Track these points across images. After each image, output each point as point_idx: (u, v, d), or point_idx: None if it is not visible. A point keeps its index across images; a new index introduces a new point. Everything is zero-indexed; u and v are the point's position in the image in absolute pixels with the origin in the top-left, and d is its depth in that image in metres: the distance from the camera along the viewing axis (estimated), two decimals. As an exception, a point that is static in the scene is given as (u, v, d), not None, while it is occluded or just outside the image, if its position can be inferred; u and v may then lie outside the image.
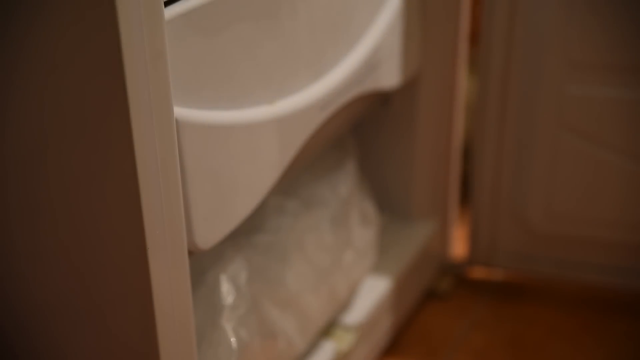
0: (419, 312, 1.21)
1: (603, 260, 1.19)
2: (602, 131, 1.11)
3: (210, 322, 0.79)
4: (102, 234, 0.62)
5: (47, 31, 0.56)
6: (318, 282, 0.92)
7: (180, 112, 0.65)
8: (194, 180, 0.67)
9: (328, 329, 1.00)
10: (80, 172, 0.61)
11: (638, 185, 1.12)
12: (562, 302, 1.23)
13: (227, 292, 0.80)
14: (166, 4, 0.64)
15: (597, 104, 1.09)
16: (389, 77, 1.00)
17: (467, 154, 1.29)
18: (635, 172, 1.11)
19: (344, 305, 1.03)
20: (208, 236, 0.70)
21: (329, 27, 0.84)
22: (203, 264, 0.81)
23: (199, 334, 0.77)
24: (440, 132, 1.16)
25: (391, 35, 0.97)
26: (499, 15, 1.09)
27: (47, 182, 0.62)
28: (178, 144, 0.64)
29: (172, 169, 0.62)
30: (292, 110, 0.79)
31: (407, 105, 1.13)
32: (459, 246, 1.31)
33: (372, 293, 1.07)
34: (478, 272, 1.29)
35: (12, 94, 0.60)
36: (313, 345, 0.97)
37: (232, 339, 0.79)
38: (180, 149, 0.64)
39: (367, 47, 0.92)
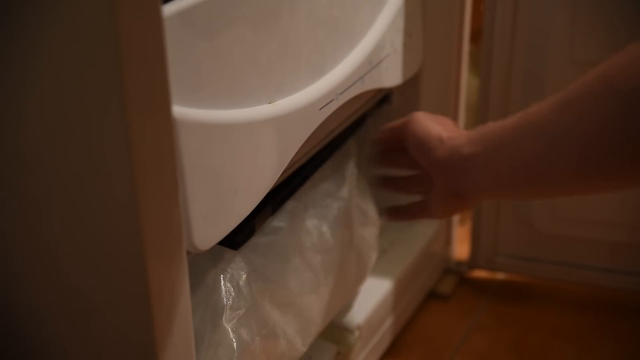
0: (420, 313, 1.21)
1: (607, 261, 1.19)
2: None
3: (210, 322, 0.79)
4: (100, 234, 0.62)
5: (45, 29, 0.56)
6: (318, 283, 0.92)
7: (179, 110, 0.64)
8: (192, 179, 0.66)
9: (329, 330, 1.00)
10: (77, 171, 0.60)
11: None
12: (565, 304, 1.22)
13: (227, 292, 0.80)
14: (165, 1, 0.63)
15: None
16: (391, 76, 0.99)
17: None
18: None
19: (345, 306, 1.03)
20: (207, 237, 0.70)
21: (330, 25, 0.84)
22: (202, 265, 0.81)
23: (199, 335, 0.77)
24: (442, 132, 1.16)
25: (393, 33, 0.97)
26: (502, 13, 1.09)
27: (43, 181, 0.62)
28: (177, 143, 0.63)
29: (171, 169, 0.62)
30: (293, 110, 0.79)
31: (408, 103, 1.13)
32: (461, 247, 1.31)
33: (373, 294, 1.07)
34: (480, 274, 1.29)
35: (9, 93, 0.59)
36: (314, 347, 0.96)
37: (232, 340, 0.79)
38: (179, 148, 0.64)
39: (369, 45, 0.92)
